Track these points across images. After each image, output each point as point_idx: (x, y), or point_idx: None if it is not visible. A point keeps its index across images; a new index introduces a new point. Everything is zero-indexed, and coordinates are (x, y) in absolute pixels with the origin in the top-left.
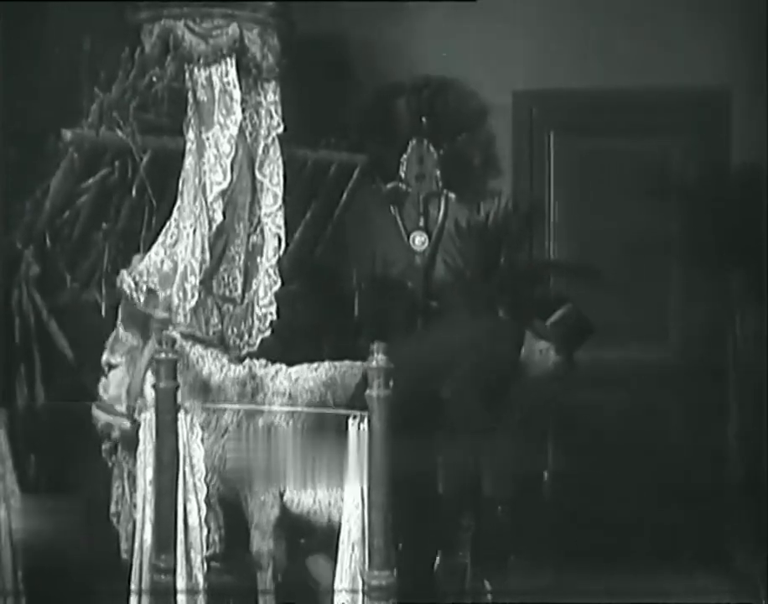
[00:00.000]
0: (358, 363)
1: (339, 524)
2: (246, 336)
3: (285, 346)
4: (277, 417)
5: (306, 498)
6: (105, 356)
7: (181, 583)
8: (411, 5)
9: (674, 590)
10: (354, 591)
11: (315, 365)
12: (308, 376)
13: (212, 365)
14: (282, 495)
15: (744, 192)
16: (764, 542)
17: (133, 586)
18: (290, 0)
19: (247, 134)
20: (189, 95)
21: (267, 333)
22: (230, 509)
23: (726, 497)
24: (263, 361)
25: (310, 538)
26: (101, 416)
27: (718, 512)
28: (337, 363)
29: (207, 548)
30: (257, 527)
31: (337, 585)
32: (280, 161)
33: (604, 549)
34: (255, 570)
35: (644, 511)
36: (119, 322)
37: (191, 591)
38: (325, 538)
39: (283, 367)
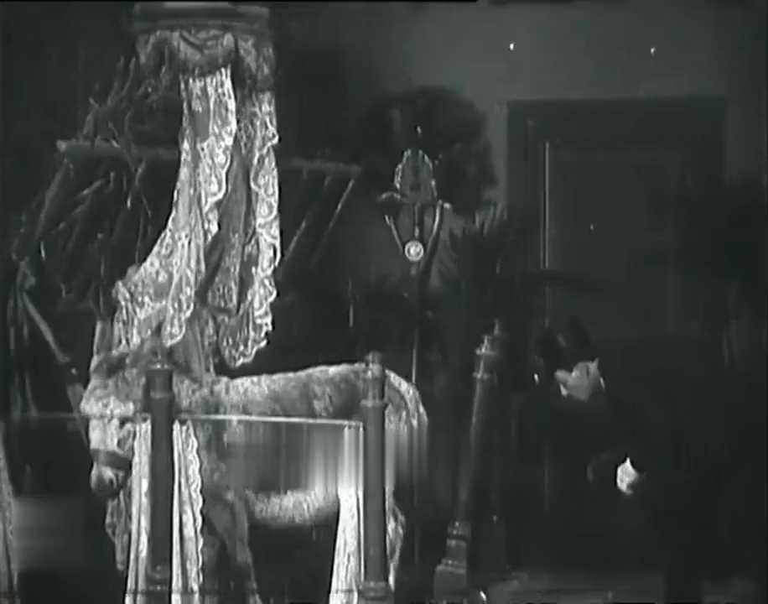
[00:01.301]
0: (291, 374)
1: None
2: (241, 347)
3: (280, 357)
4: (237, 430)
5: (272, 505)
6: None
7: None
8: (407, 17)
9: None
10: (350, 601)
11: (255, 379)
12: (253, 389)
13: (183, 391)
14: (251, 504)
15: (740, 201)
16: (764, 542)
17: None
18: (285, 11)
19: (242, 145)
20: (184, 105)
21: (263, 344)
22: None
23: (725, 498)
24: (215, 377)
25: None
26: (108, 473)
27: (718, 514)
28: (274, 377)
29: (201, 560)
30: (238, 538)
31: (333, 595)
32: (275, 172)
33: (602, 550)
34: (239, 579)
35: (643, 511)
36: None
37: (186, 602)
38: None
39: (227, 380)
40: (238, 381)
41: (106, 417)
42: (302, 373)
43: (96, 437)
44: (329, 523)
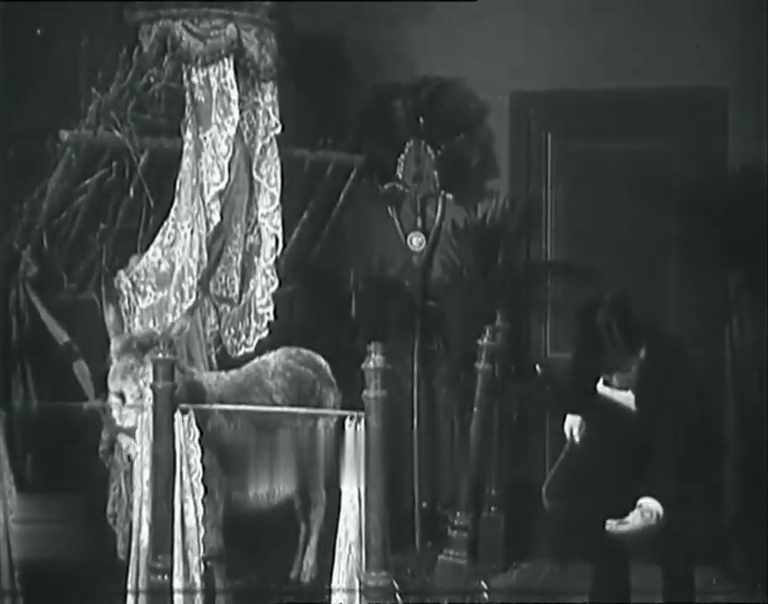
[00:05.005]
0: (242, 370)
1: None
2: (243, 337)
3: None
4: (220, 419)
5: (248, 492)
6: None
7: (178, 583)
8: (409, 5)
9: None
10: (351, 592)
11: (219, 374)
12: (220, 383)
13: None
14: (229, 491)
15: (742, 192)
16: (764, 542)
17: (130, 587)
18: (288, 0)
19: (245, 135)
20: (187, 95)
21: (265, 334)
22: None
23: (725, 495)
24: (190, 368)
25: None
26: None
27: (718, 512)
28: (232, 372)
29: (204, 549)
30: (215, 524)
31: (334, 585)
32: (277, 162)
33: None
34: (211, 566)
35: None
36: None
37: (188, 592)
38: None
39: (197, 371)
40: (207, 374)
41: (148, 395)
42: (250, 367)
43: (131, 415)
44: (287, 506)
